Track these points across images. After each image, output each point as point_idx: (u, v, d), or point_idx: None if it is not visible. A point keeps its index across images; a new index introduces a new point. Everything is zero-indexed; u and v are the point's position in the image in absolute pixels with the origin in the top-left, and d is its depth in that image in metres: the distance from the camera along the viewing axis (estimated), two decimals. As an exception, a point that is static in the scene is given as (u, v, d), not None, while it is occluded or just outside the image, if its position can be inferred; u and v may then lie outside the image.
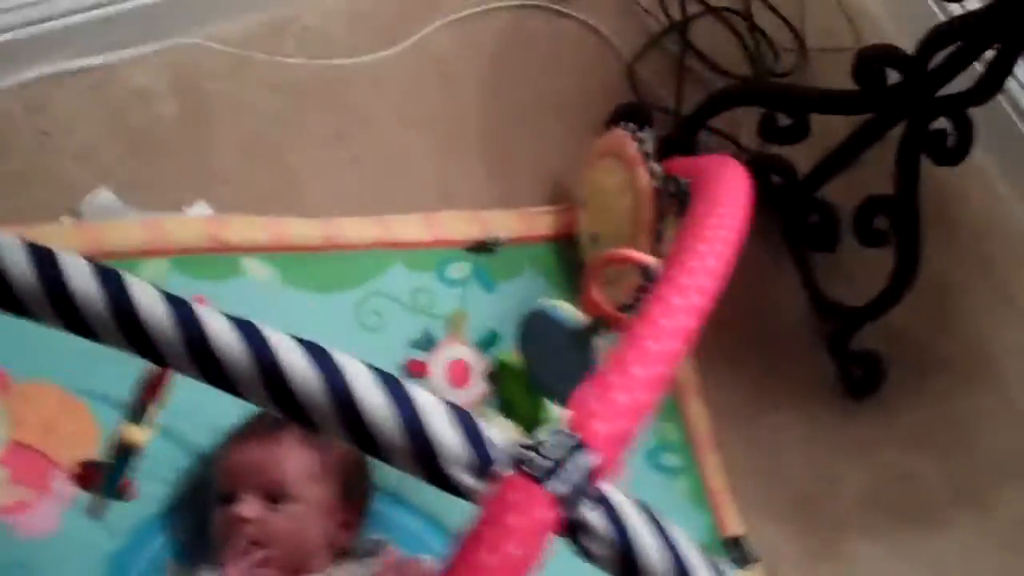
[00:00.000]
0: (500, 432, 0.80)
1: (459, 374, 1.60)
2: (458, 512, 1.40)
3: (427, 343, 1.60)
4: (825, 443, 1.87)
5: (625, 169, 1.63)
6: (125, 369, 1.35)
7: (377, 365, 1.47)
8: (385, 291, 1.61)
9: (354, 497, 1.37)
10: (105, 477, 1.01)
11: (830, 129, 1.83)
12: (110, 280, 0.76)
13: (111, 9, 1.60)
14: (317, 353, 0.78)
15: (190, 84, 1.70)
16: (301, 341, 0.76)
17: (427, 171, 1.79)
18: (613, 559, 0.79)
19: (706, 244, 0.99)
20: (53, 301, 0.76)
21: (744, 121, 1.95)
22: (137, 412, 0.96)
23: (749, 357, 1.86)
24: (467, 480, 0.76)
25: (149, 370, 0.98)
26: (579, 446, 0.77)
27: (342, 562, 1.35)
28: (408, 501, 1.48)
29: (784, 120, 1.82)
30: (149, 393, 0.89)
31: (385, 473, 1.43)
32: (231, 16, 1.74)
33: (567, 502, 0.76)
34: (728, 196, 1.08)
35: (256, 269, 1.55)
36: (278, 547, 1.28)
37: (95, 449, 1.34)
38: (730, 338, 1.73)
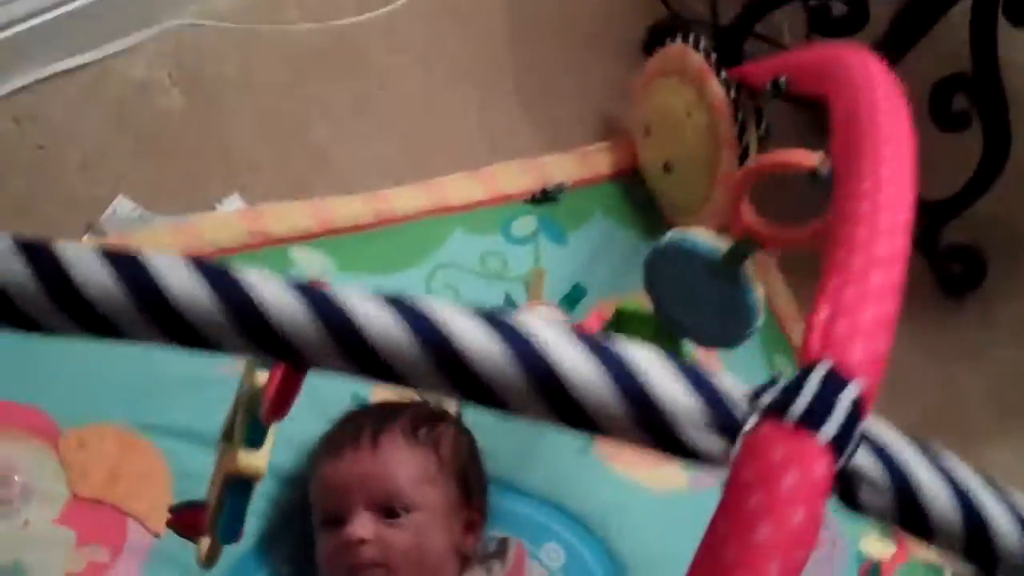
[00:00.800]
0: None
1: (546, 338, 1.42)
2: (579, 490, 1.29)
3: (506, 311, 1.43)
4: (934, 349, 1.71)
5: (692, 85, 1.46)
6: (187, 396, 1.20)
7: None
8: (452, 262, 1.44)
9: (474, 495, 1.21)
10: (217, 518, 0.83)
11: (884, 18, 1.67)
12: (218, 277, 0.60)
13: (92, -1, 1.42)
14: (494, 321, 0.61)
15: (192, 69, 1.52)
16: (470, 309, 0.60)
17: (464, 123, 1.62)
18: (892, 507, 0.64)
19: (885, 142, 0.84)
20: (150, 314, 0.59)
21: (786, 20, 1.78)
22: (248, 433, 0.78)
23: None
24: (708, 442, 0.61)
25: (250, 384, 0.80)
26: (837, 377, 0.62)
27: (468, 569, 1.18)
28: (521, 487, 1.32)
29: (839, 8, 1.65)
30: (273, 409, 0.71)
31: (493, 461, 1.27)
32: (222, -13, 1.56)
33: (842, 448, 0.60)
34: (880, 86, 0.92)
35: (307, 259, 1.38)
36: (401, 565, 1.12)
37: (168, 490, 1.17)
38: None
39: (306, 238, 1.38)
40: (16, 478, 1.11)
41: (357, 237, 1.42)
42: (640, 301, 1.15)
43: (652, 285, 1.07)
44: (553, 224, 1.55)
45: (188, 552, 1.13)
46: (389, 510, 1.13)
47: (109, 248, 0.62)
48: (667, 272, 1.06)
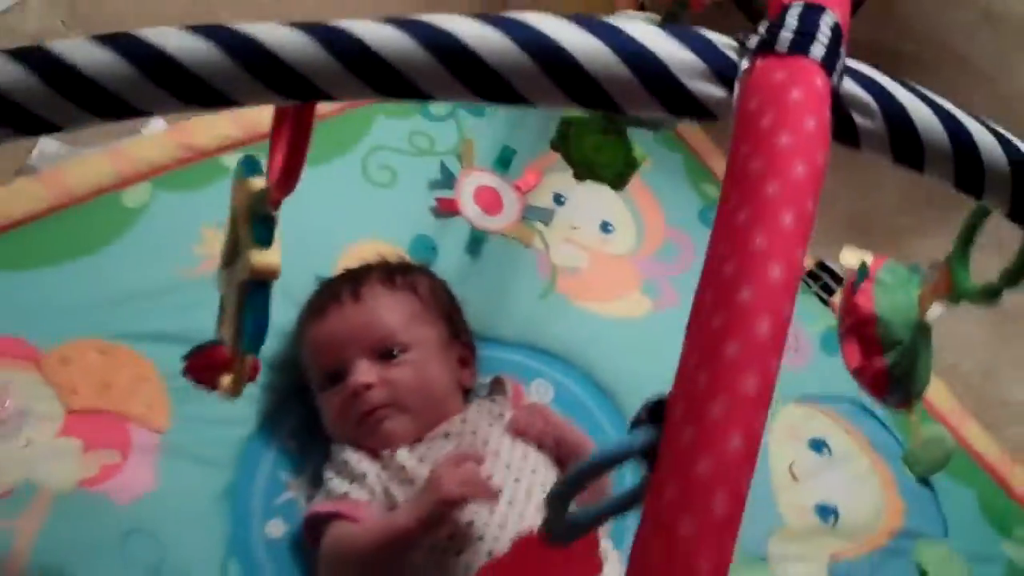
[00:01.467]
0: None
1: (490, 200, 1.47)
2: (552, 330, 1.33)
3: (447, 180, 1.47)
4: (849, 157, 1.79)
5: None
6: (155, 303, 1.21)
7: (407, 213, 1.36)
8: (382, 144, 1.47)
9: (461, 332, 1.24)
10: (240, 330, 0.83)
11: None
12: (213, 30, 0.63)
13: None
14: (493, 19, 0.65)
15: (86, 12, 1.51)
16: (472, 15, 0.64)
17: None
18: (885, 132, 0.70)
19: None
20: (155, 80, 0.61)
21: None
22: (256, 234, 0.79)
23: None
24: (711, 90, 0.66)
25: (244, 189, 0.80)
26: (812, 9, 0.67)
27: (472, 402, 1.21)
28: (497, 336, 1.35)
29: None
30: (283, 180, 0.71)
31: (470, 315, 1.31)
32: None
33: (832, 69, 0.65)
34: None
35: (242, 163, 1.38)
36: (409, 401, 1.14)
37: (161, 389, 1.18)
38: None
39: (236, 145, 1.38)
40: (8, 402, 1.11)
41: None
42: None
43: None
44: (468, 100, 1.58)
45: (198, 440, 1.16)
46: (385, 353, 1.15)
47: (99, 35, 0.64)
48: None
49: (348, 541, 1.07)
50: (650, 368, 1.38)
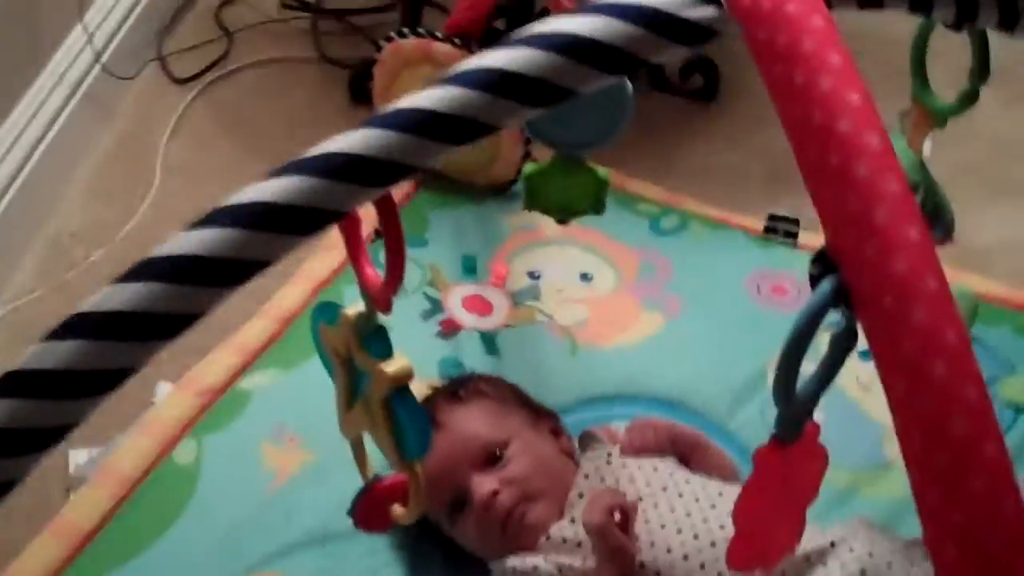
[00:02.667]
0: None
1: (479, 305, 1.54)
2: (597, 378, 1.38)
3: (435, 306, 1.54)
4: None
5: (426, 61, 1.63)
6: (257, 531, 1.24)
7: (421, 349, 1.42)
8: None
9: (540, 409, 1.30)
10: (399, 444, 0.86)
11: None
12: None
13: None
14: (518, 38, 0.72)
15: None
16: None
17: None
18: None
19: None
20: None
21: None
22: (374, 352, 0.83)
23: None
24: (706, 10, 0.74)
25: (346, 320, 0.85)
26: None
27: (580, 462, 1.26)
28: (559, 406, 1.40)
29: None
30: (390, 281, 0.77)
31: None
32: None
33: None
34: None
35: (258, 381, 1.44)
36: (535, 487, 1.19)
37: None
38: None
39: (244, 366, 1.44)
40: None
41: (276, 347, 1.48)
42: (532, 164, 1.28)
43: (537, 128, 1.19)
44: (407, 238, 1.65)
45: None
46: (491, 459, 1.19)
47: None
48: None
49: None
50: (694, 364, 1.47)
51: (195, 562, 1.23)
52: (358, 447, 0.97)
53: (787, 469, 0.77)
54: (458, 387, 1.29)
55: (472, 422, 1.22)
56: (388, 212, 0.79)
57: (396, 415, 0.87)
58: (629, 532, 1.11)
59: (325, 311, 0.92)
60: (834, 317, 0.68)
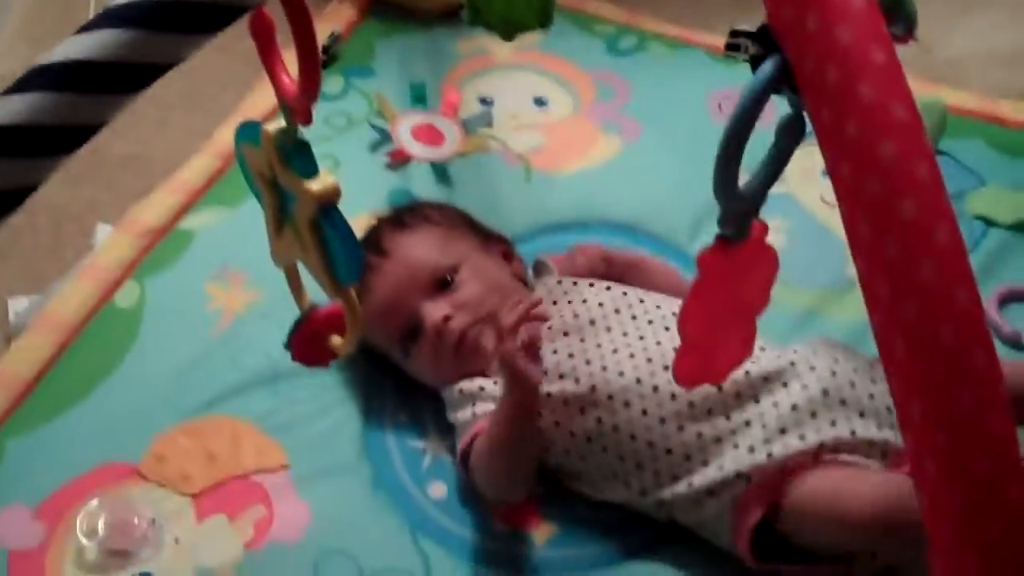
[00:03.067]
0: None
1: (430, 134, 1.48)
2: (553, 205, 1.33)
3: (384, 136, 1.48)
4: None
5: None
6: (203, 371, 1.20)
7: (371, 180, 1.36)
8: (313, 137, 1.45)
9: (490, 234, 1.25)
10: (330, 266, 0.81)
11: None
12: None
13: None
14: None
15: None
16: None
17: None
18: None
19: None
20: None
21: None
22: (298, 169, 0.78)
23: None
24: None
25: (265, 136, 0.79)
26: None
27: (532, 289, 1.22)
28: (514, 234, 1.35)
29: None
30: (304, 94, 0.71)
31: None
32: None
33: None
34: None
35: (201, 220, 1.39)
36: (487, 310, 1.14)
37: (261, 434, 1.17)
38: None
39: (186, 207, 1.39)
40: (136, 521, 1.08)
41: (218, 185, 1.42)
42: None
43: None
44: (352, 68, 1.60)
45: (321, 457, 1.15)
46: (441, 284, 1.15)
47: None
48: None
49: (482, 448, 1.07)
50: (654, 188, 1.42)
51: (139, 407, 1.19)
52: (292, 276, 0.92)
53: (733, 272, 0.72)
54: (403, 213, 1.24)
55: (419, 248, 1.17)
56: (297, 8, 0.72)
57: (325, 237, 0.82)
58: (535, 358, 1.05)
59: (247, 132, 0.86)
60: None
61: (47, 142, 0.59)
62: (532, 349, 1.04)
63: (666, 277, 1.21)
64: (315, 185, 0.79)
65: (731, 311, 0.75)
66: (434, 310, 1.14)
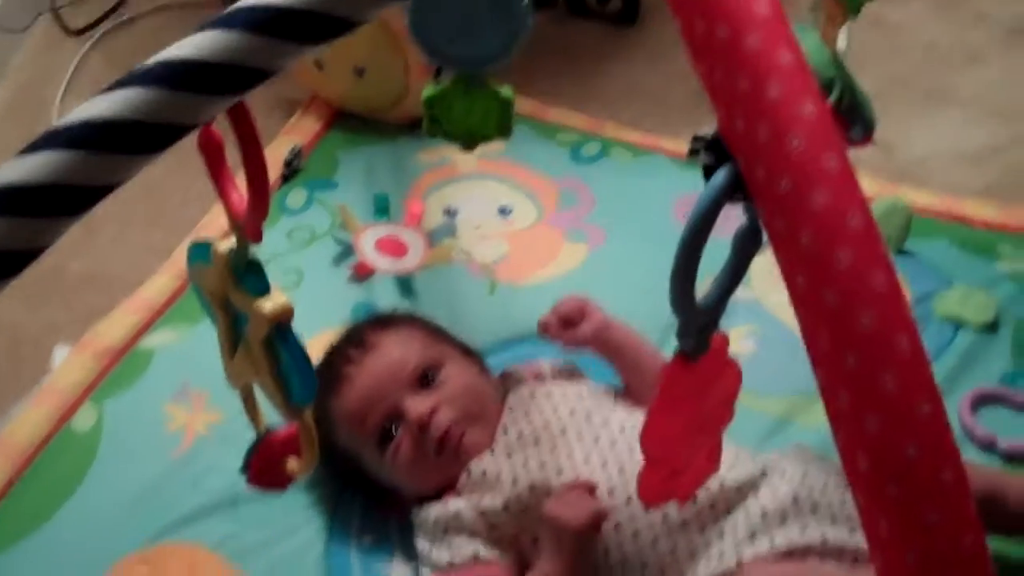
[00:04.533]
0: None
1: (394, 246, 1.46)
2: (516, 317, 1.32)
3: (347, 250, 1.46)
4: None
5: None
6: (162, 496, 1.17)
7: (334, 295, 1.35)
8: (271, 256, 1.45)
9: (469, 349, 1.23)
10: (290, 393, 0.79)
11: None
12: None
13: None
14: None
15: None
16: None
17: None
18: None
19: None
20: None
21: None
22: (251, 289, 0.76)
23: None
24: None
25: (217, 254, 0.78)
26: None
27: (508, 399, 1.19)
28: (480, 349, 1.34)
29: None
30: (254, 212, 0.69)
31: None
32: None
33: None
34: None
35: (159, 340, 1.36)
36: (471, 408, 1.12)
37: (217, 559, 1.13)
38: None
39: (146, 326, 1.37)
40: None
41: (180, 302, 1.40)
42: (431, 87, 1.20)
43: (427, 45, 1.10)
44: (316, 181, 1.59)
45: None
46: (424, 380, 1.12)
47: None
48: (440, 24, 1.09)
49: None
50: (620, 296, 1.40)
51: (98, 533, 1.15)
52: (247, 397, 0.89)
53: (695, 386, 0.70)
54: (383, 317, 1.24)
55: (404, 343, 1.15)
56: (243, 125, 0.70)
57: (279, 357, 0.79)
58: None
59: (200, 251, 0.84)
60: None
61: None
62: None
63: (654, 365, 1.18)
64: (267, 304, 0.78)
65: (695, 426, 0.73)
66: (419, 403, 1.10)
